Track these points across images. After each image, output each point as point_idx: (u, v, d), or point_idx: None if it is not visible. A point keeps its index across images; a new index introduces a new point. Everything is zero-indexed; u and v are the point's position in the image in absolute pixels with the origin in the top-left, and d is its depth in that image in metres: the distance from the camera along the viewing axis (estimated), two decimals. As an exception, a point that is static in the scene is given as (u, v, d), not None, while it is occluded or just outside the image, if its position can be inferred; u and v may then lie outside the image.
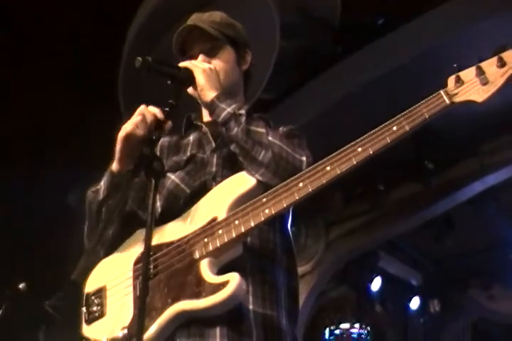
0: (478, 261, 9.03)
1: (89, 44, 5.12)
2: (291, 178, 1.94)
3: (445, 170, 7.13)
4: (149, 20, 5.19)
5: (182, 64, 2.24)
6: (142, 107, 2.15)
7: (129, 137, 2.10)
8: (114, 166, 2.18)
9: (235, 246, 2.00)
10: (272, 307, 2.05)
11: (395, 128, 1.88)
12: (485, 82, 1.86)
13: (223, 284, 1.86)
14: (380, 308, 9.72)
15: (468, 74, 1.90)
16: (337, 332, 9.43)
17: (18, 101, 5.35)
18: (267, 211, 1.93)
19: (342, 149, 1.90)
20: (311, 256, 7.81)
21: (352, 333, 9.41)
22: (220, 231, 1.98)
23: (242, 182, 2.07)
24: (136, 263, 2.13)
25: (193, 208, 2.14)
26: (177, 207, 2.21)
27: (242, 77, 2.47)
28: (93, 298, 2.17)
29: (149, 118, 2.10)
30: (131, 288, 2.09)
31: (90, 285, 2.22)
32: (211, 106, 2.20)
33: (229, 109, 2.16)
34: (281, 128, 2.29)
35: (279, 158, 2.05)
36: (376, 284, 9.01)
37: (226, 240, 1.96)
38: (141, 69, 2.08)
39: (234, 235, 1.95)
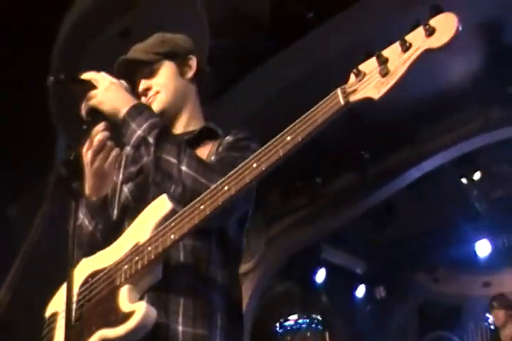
0: (421, 245, 9.17)
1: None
2: (195, 200, 1.87)
3: (382, 158, 7.19)
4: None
5: (83, 76, 2.17)
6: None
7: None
8: (87, 193, 2.18)
9: (152, 272, 1.95)
10: (203, 326, 1.98)
11: (288, 138, 1.72)
12: (385, 73, 1.53)
13: (131, 313, 1.83)
14: (327, 299, 9.80)
15: (370, 64, 1.59)
16: (287, 323, 9.52)
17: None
18: (172, 236, 1.88)
19: (239, 166, 1.80)
20: (254, 254, 7.80)
21: (301, 323, 9.51)
22: (136, 258, 1.93)
23: (161, 205, 2.01)
24: (80, 286, 2.07)
25: (129, 230, 2.09)
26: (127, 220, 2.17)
27: (190, 84, 2.39)
28: (48, 322, 2.12)
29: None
30: None
31: (49, 310, 2.17)
32: (123, 125, 2.12)
33: (139, 132, 2.07)
34: (227, 137, 2.19)
35: (191, 191, 1.96)
36: (321, 276, 9.06)
37: (139, 267, 1.92)
38: (54, 88, 2.05)
39: (146, 262, 1.91)
